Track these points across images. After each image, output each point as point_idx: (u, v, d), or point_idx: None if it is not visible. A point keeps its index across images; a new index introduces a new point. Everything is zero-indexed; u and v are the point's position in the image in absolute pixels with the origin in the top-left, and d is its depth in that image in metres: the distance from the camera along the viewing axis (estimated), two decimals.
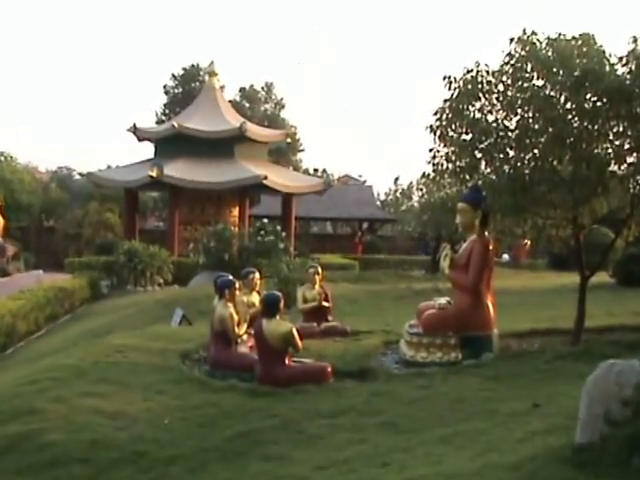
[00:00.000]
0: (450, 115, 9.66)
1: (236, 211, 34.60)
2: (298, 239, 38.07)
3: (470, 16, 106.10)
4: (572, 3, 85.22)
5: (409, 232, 36.13)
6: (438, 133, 9.78)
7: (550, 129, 9.22)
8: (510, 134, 9.49)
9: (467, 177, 9.91)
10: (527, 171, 9.53)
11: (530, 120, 9.37)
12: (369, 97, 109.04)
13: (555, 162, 9.48)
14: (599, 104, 9.15)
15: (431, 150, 9.98)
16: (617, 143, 9.48)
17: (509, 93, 9.46)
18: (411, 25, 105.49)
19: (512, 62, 9.46)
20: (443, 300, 10.07)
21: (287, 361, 8.95)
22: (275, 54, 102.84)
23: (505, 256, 35.20)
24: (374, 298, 19.57)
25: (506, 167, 9.56)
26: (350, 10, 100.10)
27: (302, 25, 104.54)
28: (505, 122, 9.57)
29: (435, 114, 9.78)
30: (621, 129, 9.36)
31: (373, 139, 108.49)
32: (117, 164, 42.91)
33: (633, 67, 9.08)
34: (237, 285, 9.98)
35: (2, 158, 46.81)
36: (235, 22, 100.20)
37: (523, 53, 9.43)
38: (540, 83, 9.34)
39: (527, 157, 9.52)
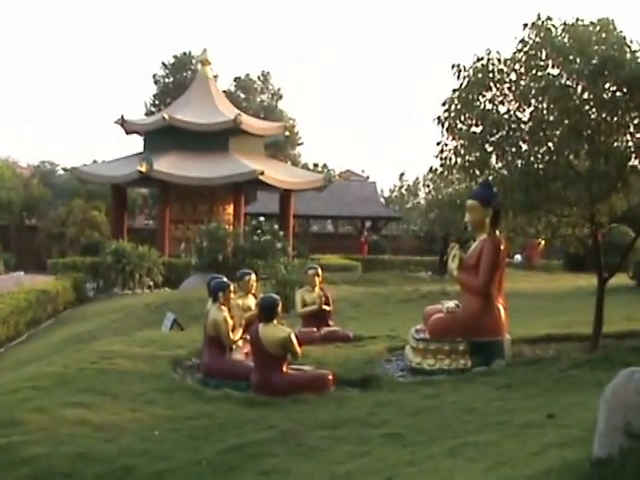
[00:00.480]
0: (459, 106, 9.65)
1: (231, 208, 34.59)
2: (297, 238, 38.08)
3: (476, 7, 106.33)
4: None
5: (415, 231, 36.20)
6: (446, 125, 9.77)
7: (566, 121, 9.21)
8: (523, 126, 9.48)
9: (477, 172, 9.90)
10: (541, 166, 9.52)
11: (544, 111, 9.37)
12: (370, 92, 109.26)
13: (571, 156, 9.47)
14: (619, 94, 9.14)
15: (439, 143, 9.98)
16: (638, 136, 9.47)
17: (522, 82, 9.46)
18: (412, 21, 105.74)
19: (525, 49, 9.45)
20: (451, 303, 10.06)
21: (285, 369, 8.95)
22: (272, 41, 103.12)
23: (517, 257, 35.21)
24: (378, 301, 19.57)
25: (519, 162, 9.55)
26: (350, 9, 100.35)
27: (300, 10, 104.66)
28: (518, 113, 9.56)
29: (443, 105, 9.77)
30: None
31: (376, 132, 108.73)
32: (104, 158, 43.01)
33: None
34: (232, 288, 9.97)
35: None
36: (229, 7, 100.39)
37: (537, 40, 9.42)
38: (555, 72, 9.33)
39: (541, 151, 9.51)
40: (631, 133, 9.46)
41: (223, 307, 9.67)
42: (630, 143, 9.51)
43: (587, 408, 6.55)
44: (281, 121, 46.08)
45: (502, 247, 9.76)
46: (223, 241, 25.75)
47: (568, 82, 9.26)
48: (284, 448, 6.95)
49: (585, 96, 9.26)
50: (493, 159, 9.80)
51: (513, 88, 9.52)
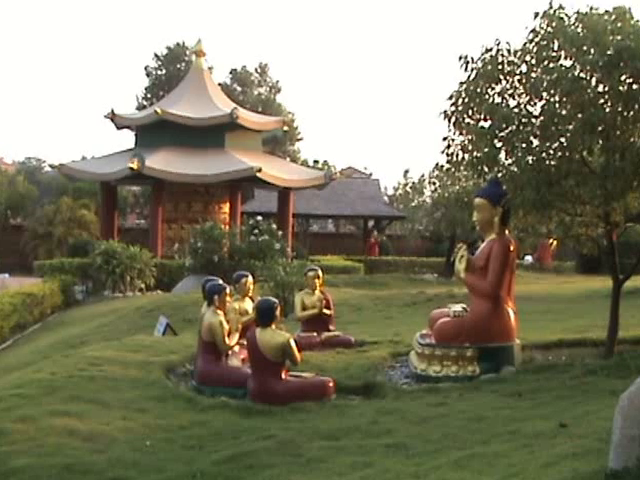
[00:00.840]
0: (467, 100, 9.65)
1: (227, 207, 34.60)
2: (296, 239, 38.08)
3: None
4: None
5: (420, 231, 36.20)
6: (453, 120, 9.77)
7: (579, 115, 9.20)
8: (534, 121, 9.48)
9: (485, 169, 9.90)
10: (553, 162, 9.52)
11: (557, 105, 9.36)
12: (373, 85, 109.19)
13: (585, 152, 9.46)
14: (635, 86, 9.12)
15: (445, 139, 9.98)
16: None
17: (533, 75, 9.45)
18: (418, 12, 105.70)
19: (537, 40, 9.43)
20: (458, 307, 10.07)
21: (284, 375, 8.95)
22: (271, 32, 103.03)
23: (528, 258, 35.26)
24: (381, 305, 19.58)
25: (529, 158, 9.54)
26: None
27: (302, 3, 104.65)
28: (528, 107, 9.55)
29: (450, 98, 9.76)
30: None
31: (380, 127, 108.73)
32: (93, 155, 43.07)
33: None
34: (228, 290, 9.97)
35: None
36: None
37: (549, 29, 9.41)
38: (568, 63, 9.32)
39: (553, 146, 9.50)
40: None
41: (219, 311, 9.67)
42: None
43: (602, 417, 6.54)
44: (280, 115, 46.11)
45: (512, 248, 9.76)
46: (219, 241, 25.75)
47: (582, 74, 9.24)
48: (282, 459, 6.94)
49: (600, 89, 9.24)
50: (502, 155, 9.79)
51: (524, 80, 9.51)
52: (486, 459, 6.20)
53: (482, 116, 9.61)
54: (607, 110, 9.24)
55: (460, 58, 9.67)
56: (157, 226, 33.13)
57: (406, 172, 52.91)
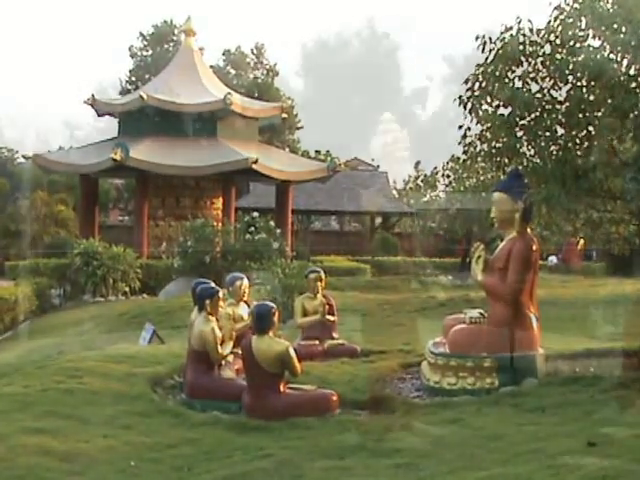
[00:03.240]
0: (484, 84, 9.65)
1: (219, 203, 34.62)
2: (296, 237, 38.09)
3: None
4: None
5: (433, 228, 36.26)
6: (469, 106, 9.77)
7: (609, 100, 9.20)
8: (559, 107, 9.48)
9: (505, 161, 9.90)
10: (580, 153, 9.52)
11: (584, 89, 9.36)
12: (381, 64, 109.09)
13: (615, 141, 9.46)
14: None
15: (461, 127, 9.98)
16: None
17: (558, 56, 9.45)
18: None
19: (562, 17, 9.44)
20: (475, 312, 10.08)
21: (282, 388, 8.95)
22: (267, 10, 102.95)
23: (552, 258, 35.27)
24: (389, 310, 19.60)
25: (553, 148, 9.56)
26: None
27: None
28: (553, 92, 9.56)
29: (466, 83, 9.76)
30: None
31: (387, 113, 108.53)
32: (71, 144, 43.02)
33: None
34: (221, 294, 9.98)
35: None
36: None
37: (576, 6, 9.42)
38: (597, 43, 9.33)
39: (580, 135, 9.51)
40: None
41: (211, 317, 9.67)
42: None
43: (635, 435, 6.54)
44: (277, 101, 46.11)
45: (534, 247, 9.76)
46: (210, 240, 25.76)
47: (612, 55, 9.24)
48: None
49: (632, 71, 9.25)
50: (524, 145, 9.79)
51: (547, 63, 9.51)
52: None
53: (501, 102, 9.62)
54: None
55: (477, 38, 9.68)
56: (142, 223, 33.14)
57: (417, 164, 53.01)
